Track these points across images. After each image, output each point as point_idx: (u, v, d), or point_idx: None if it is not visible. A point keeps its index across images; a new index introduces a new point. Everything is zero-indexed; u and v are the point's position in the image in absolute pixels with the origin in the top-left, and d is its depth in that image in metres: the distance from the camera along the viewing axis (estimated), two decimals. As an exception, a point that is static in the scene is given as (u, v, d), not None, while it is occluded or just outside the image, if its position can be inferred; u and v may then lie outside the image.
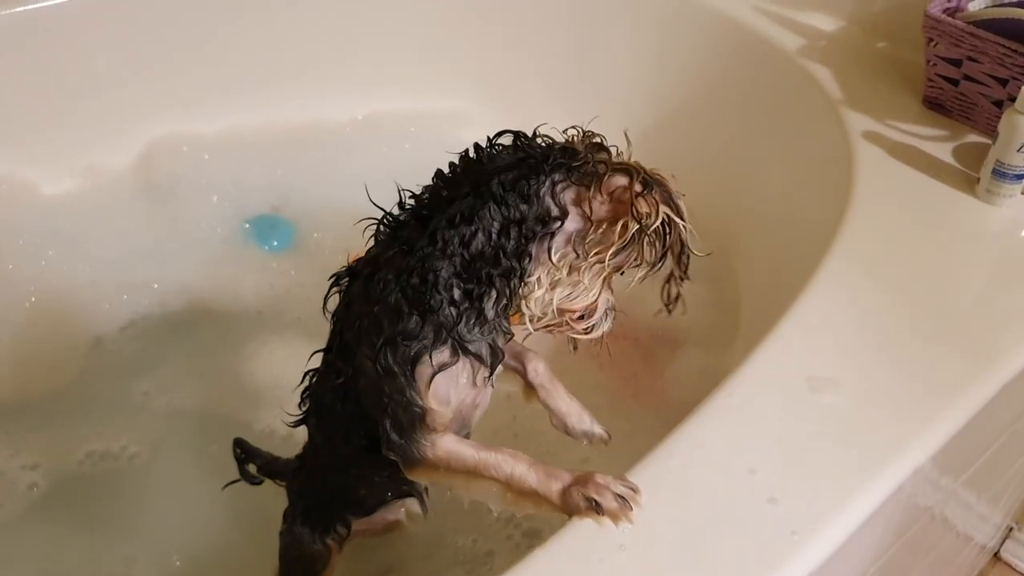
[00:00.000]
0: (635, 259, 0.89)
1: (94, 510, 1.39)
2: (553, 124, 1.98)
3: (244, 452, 1.24)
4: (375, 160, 1.97)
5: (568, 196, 0.86)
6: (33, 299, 1.64)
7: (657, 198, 0.84)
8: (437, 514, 1.37)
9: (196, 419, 1.51)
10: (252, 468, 1.23)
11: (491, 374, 0.92)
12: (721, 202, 1.72)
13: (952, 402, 1.01)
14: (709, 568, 0.82)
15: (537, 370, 1.06)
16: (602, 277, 0.91)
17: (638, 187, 0.84)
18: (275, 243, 1.85)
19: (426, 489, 1.16)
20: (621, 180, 0.85)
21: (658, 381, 1.55)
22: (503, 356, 0.93)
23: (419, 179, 1.92)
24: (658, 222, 0.84)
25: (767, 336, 1.07)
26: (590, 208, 0.86)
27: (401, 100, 2.03)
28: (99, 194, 1.82)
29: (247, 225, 1.85)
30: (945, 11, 1.38)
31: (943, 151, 1.40)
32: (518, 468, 0.91)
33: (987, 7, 1.42)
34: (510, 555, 1.32)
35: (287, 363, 1.56)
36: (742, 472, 0.89)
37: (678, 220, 0.87)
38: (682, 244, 0.88)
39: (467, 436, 1.01)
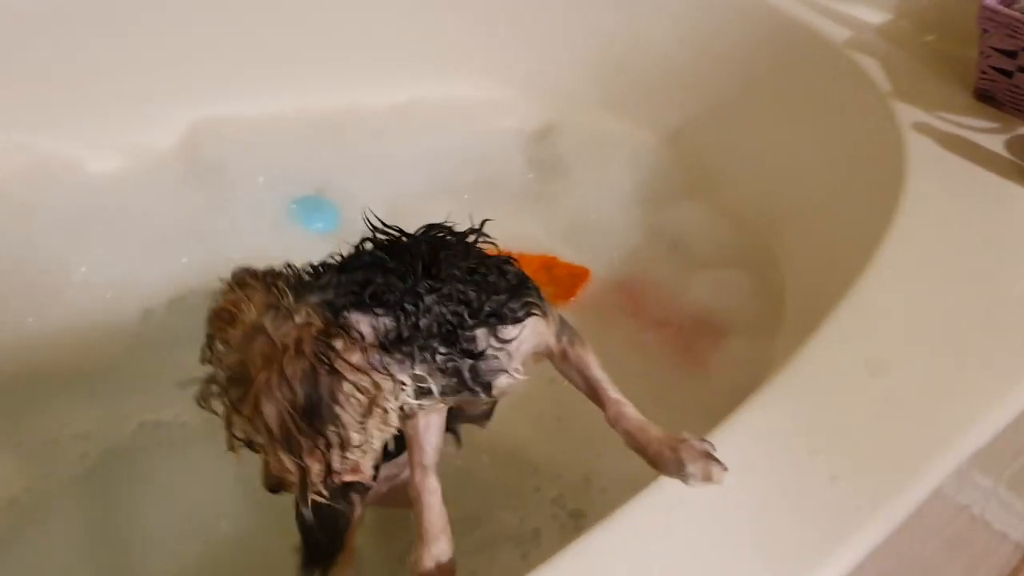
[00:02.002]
0: None
1: (144, 478, 1.41)
2: (588, 115, 2.02)
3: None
4: (415, 146, 1.98)
5: None
6: (83, 270, 1.66)
7: None
8: (481, 490, 1.39)
9: None
10: None
11: None
12: (763, 192, 1.74)
13: (1007, 392, 1.01)
14: (774, 544, 0.83)
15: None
16: None
17: None
18: (320, 225, 1.86)
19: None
20: None
21: (701, 368, 1.56)
22: None
23: (456, 167, 1.96)
24: None
25: (825, 320, 1.08)
26: None
27: (439, 87, 2.05)
28: (145, 173, 1.85)
29: (293, 206, 1.86)
30: (1001, 2, 1.39)
31: (995, 143, 1.40)
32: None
33: (1044, -2, 1.43)
34: (557, 534, 1.33)
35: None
36: (804, 452, 0.90)
37: None
38: None
39: None
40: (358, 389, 0.75)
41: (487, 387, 0.93)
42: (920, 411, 0.97)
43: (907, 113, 1.46)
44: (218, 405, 0.79)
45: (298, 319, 0.75)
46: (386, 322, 0.80)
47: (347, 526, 1.10)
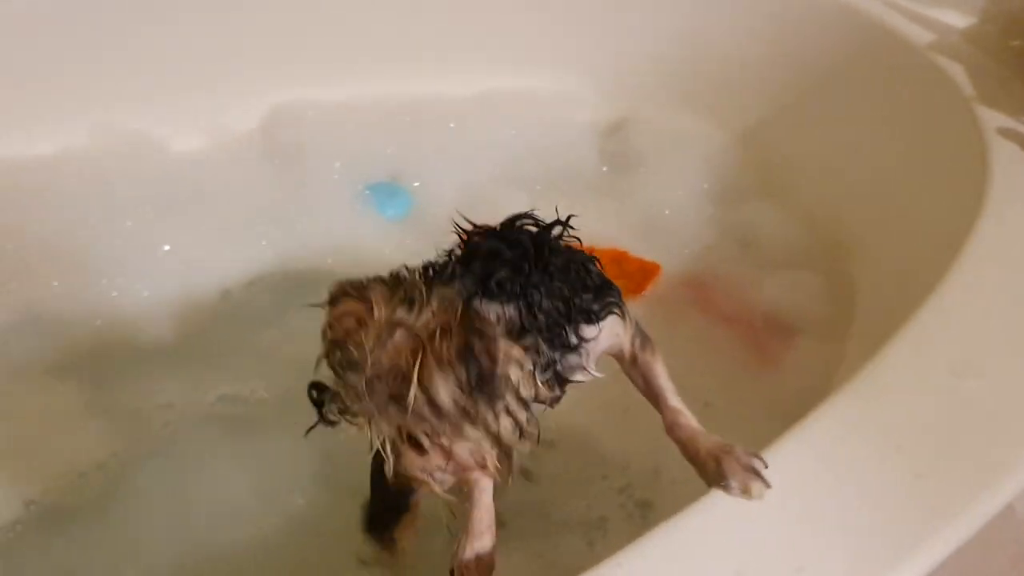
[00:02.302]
0: None
1: (224, 448, 1.44)
2: (662, 111, 2.02)
3: (321, 393, 1.24)
4: (489, 136, 2.01)
5: None
6: (166, 247, 1.71)
7: None
8: (549, 477, 1.41)
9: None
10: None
11: None
12: (836, 194, 1.74)
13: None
14: (857, 538, 0.84)
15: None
16: None
17: None
18: (392, 211, 1.89)
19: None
20: None
21: (770, 367, 1.56)
22: None
23: (529, 159, 1.98)
24: None
25: (907, 321, 1.08)
26: None
27: (516, 79, 2.07)
28: (226, 154, 1.90)
29: (367, 192, 1.89)
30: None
31: (1081, 150, 1.39)
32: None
33: None
34: (623, 523, 1.34)
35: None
36: (888, 448, 0.91)
37: None
38: None
39: None
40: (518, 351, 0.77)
41: (564, 383, 0.94)
42: (1003, 416, 0.97)
43: (991, 118, 1.45)
44: (357, 409, 0.80)
45: (436, 304, 0.76)
46: (510, 311, 0.82)
47: (413, 492, 1.11)
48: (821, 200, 1.79)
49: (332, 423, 1.07)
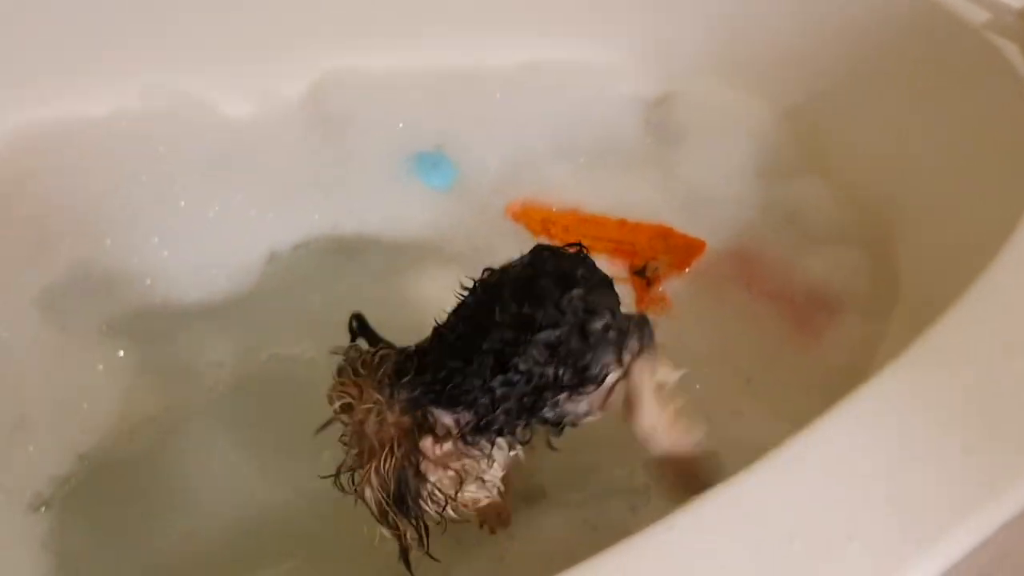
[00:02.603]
0: None
1: (275, 407, 1.48)
2: (708, 85, 2.01)
3: (360, 328, 1.27)
4: (534, 108, 2.01)
5: None
6: (217, 208, 1.73)
7: None
8: (592, 444, 1.42)
9: None
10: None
11: None
12: (883, 172, 1.73)
13: None
14: (906, 507, 0.85)
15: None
16: None
17: None
18: (437, 181, 1.90)
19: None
20: None
21: (813, 343, 1.56)
22: None
23: (574, 131, 1.98)
24: None
25: (958, 299, 1.08)
26: None
27: (562, 50, 2.06)
28: (275, 119, 1.91)
29: (412, 161, 1.91)
30: None
31: None
32: None
33: None
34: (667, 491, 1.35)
35: (451, 293, 1.63)
36: (938, 422, 0.92)
37: None
38: None
39: None
40: (450, 471, 0.91)
41: (571, 425, 1.08)
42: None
43: (1049, 101, 1.43)
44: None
45: (391, 418, 0.90)
46: (465, 415, 0.93)
47: None
48: (868, 178, 1.78)
49: None
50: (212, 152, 1.80)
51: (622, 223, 1.75)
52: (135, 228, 1.66)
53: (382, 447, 0.89)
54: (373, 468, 0.89)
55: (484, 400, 0.94)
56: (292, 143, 1.88)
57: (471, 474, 0.93)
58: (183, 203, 1.70)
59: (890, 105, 1.79)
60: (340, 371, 0.98)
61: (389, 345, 1.22)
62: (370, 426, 0.91)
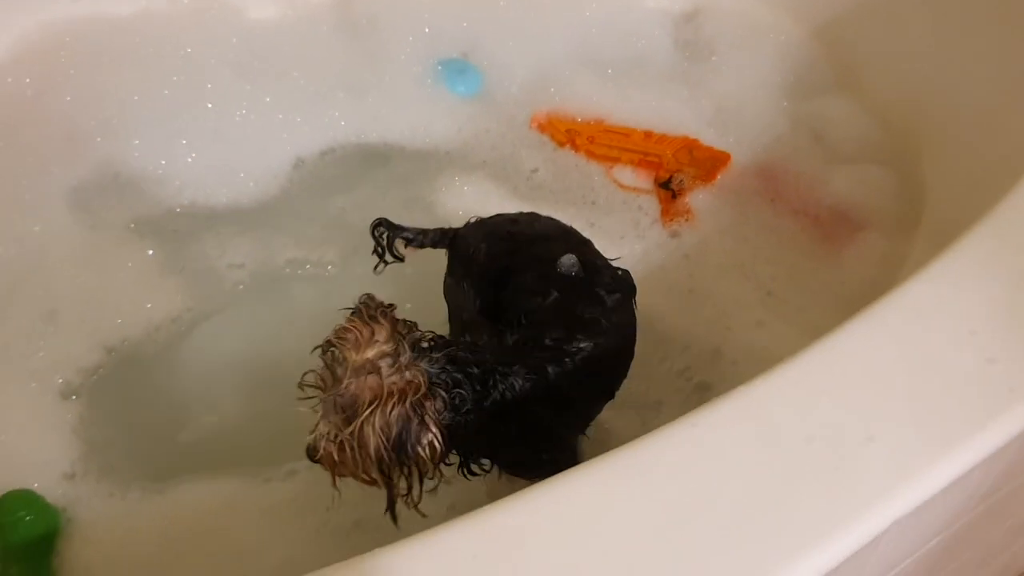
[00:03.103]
0: None
1: (291, 309, 1.51)
2: (737, 1, 1.98)
3: (389, 229, 1.28)
4: (563, 18, 1.99)
5: None
6: (243, 112, 1.73)
7: None
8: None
9: None
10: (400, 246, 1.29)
11: None
12: (913, 93, 1.71)
13: None
14: (929, 415, 0.86)
15: None
16: None
17: None
18: (462, 88, 1.89)
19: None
20: None
21: (835, 259, 1.57)
22: None
23: (603, 43, 1.96)
24: None
25: (985, 214, 1.07)
26: None
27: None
28: (301, 22, 1.89)
29: (439, 67, 1.89)
30: None
31: None
32: None
33: None
34: (679, 406, 1.37)
35: (475, 201, 1.64)
36: (963, 331, 0.92)
37: None
38: None
39: None
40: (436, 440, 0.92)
41: None
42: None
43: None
44: (316, 394, 0.94)
45: (408, 375, 0.90)
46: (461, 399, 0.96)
47: None
48: (897, 98, 1.76)
49: (402, 259, 1.26)
50: (240, 55, 1.79)
51: (648, 135, 1.75)
52: (164, 129, 1.67)
53: (391, 394, 0.89)
54: (380, 410, 0.88)
55: (471, 417, 0.98)
56: (319, 48, 1.86)
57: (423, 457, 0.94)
58: (211, 105, 1.71)
59: (919, 22, 1.76)
60: (356, 309, 0.98)
61: (423, 230, 1.27)
62: (384, 369, 0.90)
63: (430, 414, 0.91)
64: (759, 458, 0.82)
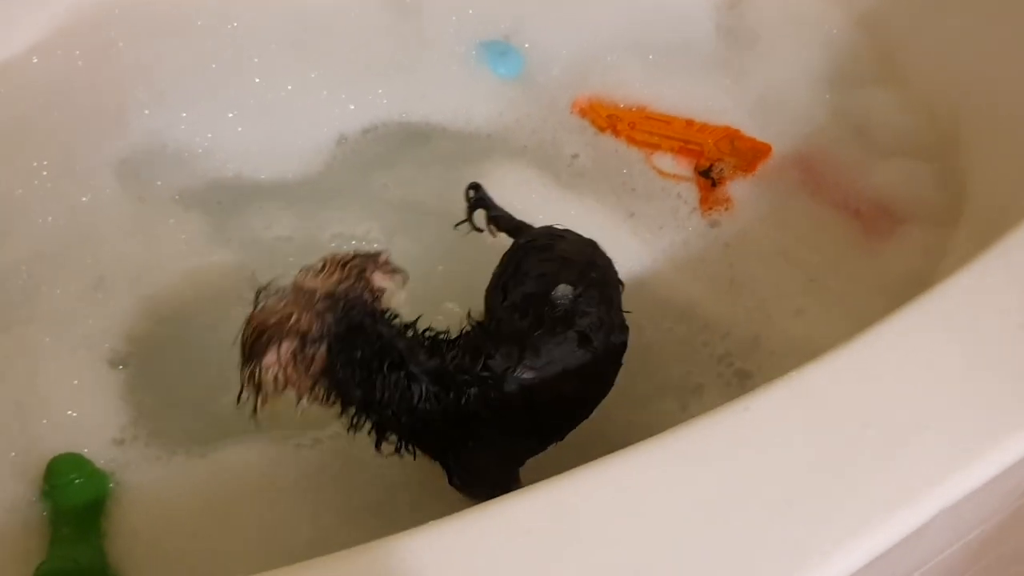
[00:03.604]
0: None
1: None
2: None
3: (478, 197, 1.31)
4: (603, 3, 1.98)
5: None
6: (289, 87, 1.75)
7: None
8: (649, 340, 1.45)
9: (428, 214, 1.59)
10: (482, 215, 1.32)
11: None
12: (957, 87, 1.71)
13: None
14: (984, 404, 0.87)
15: None
16: None
17: None
18: (503, 70, 1.90)
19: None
20: None
21: (876, 251, 1.57)
22: None
23: (645, 28, 1.95)
24: None
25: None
26: None
27: (635, -55, 2.02)
28: (349, 1, 1.89)
29: (480, 49, 1.90)
30: None
31: None
32: None
33: None
34: (720, 391, 1.39)
35: (516, 188, 1.64)
36: (1018, 323, 0.93)
37: None
38: None
39: None
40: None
41: None
42: None
43: None
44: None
45: (304, 314, 0.97)
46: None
47: None
48: (940, 92, 1.76)
49: (478, 230, 1.30)
50: (287, 31, 1.80)
51: (689, 123, 1.75)
52: (211, 103, 1.69)
53: (284, 318, 0.96)
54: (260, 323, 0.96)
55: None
56: (364, 26, 1.87)
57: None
58: (258, 80, 1.72)
59: (963, 13, 1.75)
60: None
61: (506, 214, 1.31)
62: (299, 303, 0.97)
63: (285, 346, 0.95)
64: (811, 442, 0.83)
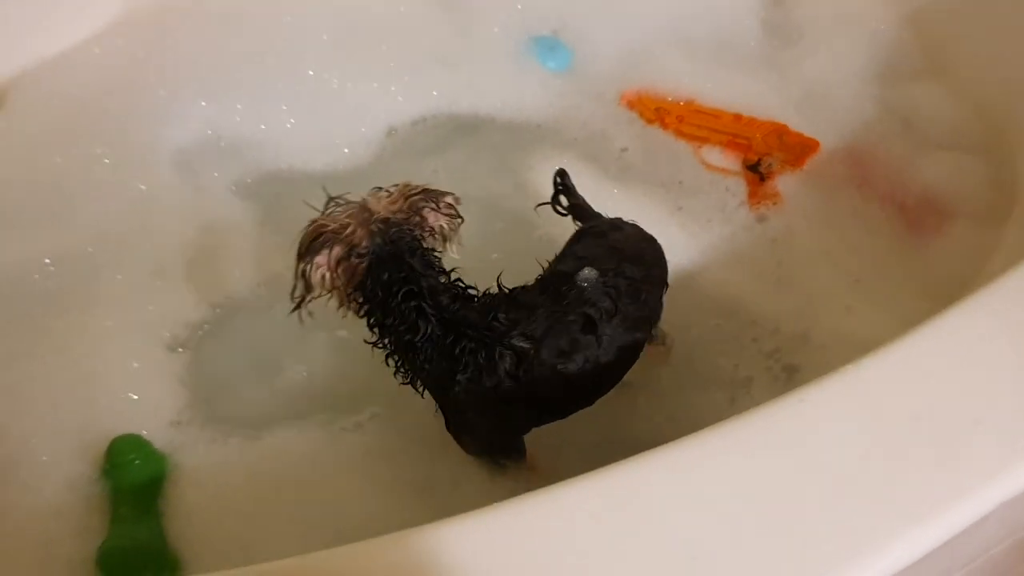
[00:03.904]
0: None
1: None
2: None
3: (563, 184, 1.34)
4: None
5: None
6: (335, 84, 1.77)
7: None
8: (698, 334, 1.46)
9: (479, 200, 1.58)
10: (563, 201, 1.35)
11: None
12: (1006, 81, 1.70)
13: None
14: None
15: None
16: None
17: None
18: (552, 64, 1.92)
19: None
20: None
21: (923, 247, 1.57)
22: None
23: (693, 24, 1.96)
24: None
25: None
26: None
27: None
28: (397, -4, 1.92)
29: (530, 43, 1.91)
30: None
31: None
32: None
33: None
34: (768, 384, 1.39)
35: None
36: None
37: None
38: None
39: None
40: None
41: None
42: None
43: None
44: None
45: (360, 229, 1.08)
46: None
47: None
48: (989, 86, 1.75)
49: (561, 213, 1.32)
50: (338, 24, 1.83)
51: (737, 117, 1.76)
52: (264, 95, 1.72)
53: (340, 226, 1.05)
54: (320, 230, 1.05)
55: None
56: (414, 19, 1.90)
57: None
58: (311, 72, 1.75)
59: (1012, 7, 1.74)
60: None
61: (587, 205, 1.33)
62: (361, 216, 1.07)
63: (336, 251, 1.05)
64: (867, 434, 0.84)
